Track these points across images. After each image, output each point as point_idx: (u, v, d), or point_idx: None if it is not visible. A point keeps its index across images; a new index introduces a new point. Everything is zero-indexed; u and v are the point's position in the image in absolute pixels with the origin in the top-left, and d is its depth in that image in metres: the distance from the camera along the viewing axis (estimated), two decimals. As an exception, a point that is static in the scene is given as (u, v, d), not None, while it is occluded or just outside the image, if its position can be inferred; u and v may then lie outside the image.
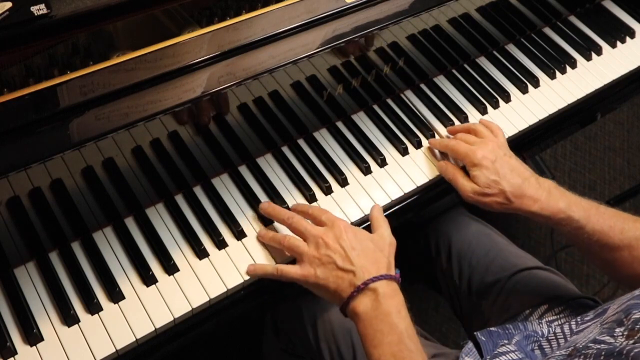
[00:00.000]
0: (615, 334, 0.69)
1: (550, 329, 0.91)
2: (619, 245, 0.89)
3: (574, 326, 0.85)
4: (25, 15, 0.77)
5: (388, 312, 0.80)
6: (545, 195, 0.91)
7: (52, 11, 0.78)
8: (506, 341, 0.89)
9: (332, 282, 0.83)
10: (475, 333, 0.96)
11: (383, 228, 0.91)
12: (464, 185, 0.96)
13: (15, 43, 0.79)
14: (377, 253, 0.86)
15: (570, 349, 0.74)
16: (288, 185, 1.00)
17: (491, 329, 0.97)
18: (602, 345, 0.68)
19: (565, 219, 0.90)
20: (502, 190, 0.92)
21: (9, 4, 0.76)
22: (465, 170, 0.99)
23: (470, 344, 0.96)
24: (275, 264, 0.91)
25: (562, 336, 0.85)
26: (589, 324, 0.83)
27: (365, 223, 0.99)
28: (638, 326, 0.67)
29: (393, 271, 0.86)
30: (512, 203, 0.92)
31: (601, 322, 0.79)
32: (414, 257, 1.24)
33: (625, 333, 0.68)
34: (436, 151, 1.07)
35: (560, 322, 0.99)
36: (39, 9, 0.77)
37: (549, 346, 0.86)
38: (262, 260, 0.91)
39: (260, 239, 0.93)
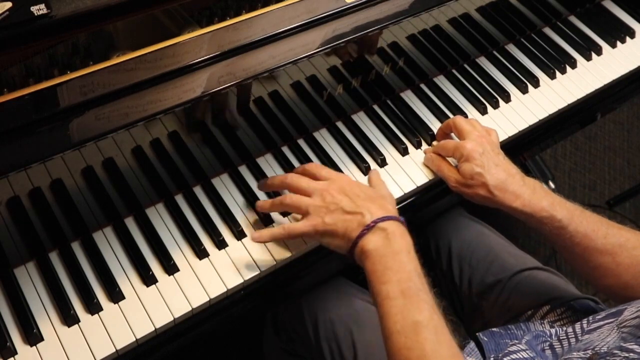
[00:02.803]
0: None
1: (557, 329, 0.91)
2: (602, 249, 0.88)
3: (585, 325, 0.84)
4: (25, 15, 0.76)
5: (398, 250, 0.80)
6: (528, 193, 0.91)
7: (52, 11, 0.78)
8: (516, 340, 0.89)
9: (340, 225, 0.84)
10: (477, 334, 0.96)
11: (381, 187, 0.95)
12: (449, 175, 0.98)
13: (15, 43, 0.79)
14: (381, 199, 0.88)
15: (589, 353, 0.73)
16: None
17: (493, 329, 0.97)
18: (632, 354, 0.67)
19: (548, 217, 0.90)
20: (484, 182, 0.93)
21: (9, 4, 0.75)
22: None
23: (472, 344, 0.96)
24: (274, 261, 0.91)
25: (573, 335, 0.84)
26: (601, 323, 0.82)
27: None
28: None
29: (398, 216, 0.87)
30: (494, 196, 0.92)
31: (617, 324, 0.78)
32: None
33: None
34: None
35: (562, 323, 0.99)
36: (39, 9, 0.77)
37: (559, 346, 0.85)
38: (262, 259, 0.91)
39: (260, 210, 0.93)
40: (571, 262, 0.95)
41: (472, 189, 0.94)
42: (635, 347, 0.69)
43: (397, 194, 1.01)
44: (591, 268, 0.91)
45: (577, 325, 0.85)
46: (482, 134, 0.99)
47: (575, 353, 0.75)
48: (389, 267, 0.79)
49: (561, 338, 0.85)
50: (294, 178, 0.91)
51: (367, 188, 0.91)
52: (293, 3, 0.94)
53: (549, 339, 0.89)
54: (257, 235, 0.89)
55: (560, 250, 0.95)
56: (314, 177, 0.91)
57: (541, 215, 0.90)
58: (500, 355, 0.85)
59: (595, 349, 0.75)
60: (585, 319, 0.85)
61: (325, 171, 0.92)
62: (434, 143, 1.09)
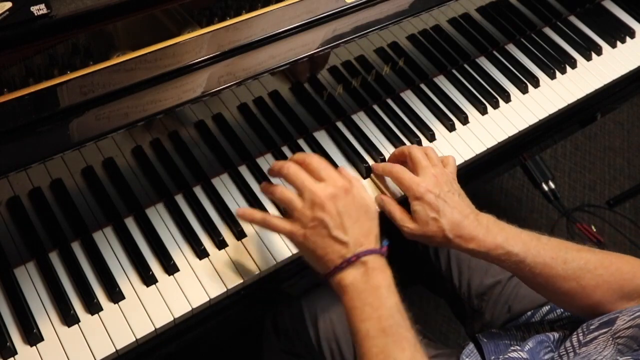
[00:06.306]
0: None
1: (559, 334, 0.90)
2: (564, 276, 0.86)
3: (581, 337, 0.83)
4: (25, 15, 0.76)
5: (378, 285, 0.77)
6: (482, 233, 0.88)
7: (52, 11, 0.78)
8: (517, 346, 0.89)
9: (320, 248, 0.79)
10: (476, 335, 0.95)
11: (369, 199, 0.86)
12: (402, 221, 0.91)
13: (15, 43, 0.79)
14: (371, 223, 0.82)
15: None
16: (288, 185, 1.00)
17: (493, 330, 0.97)
18: None
19: (504, 254, 0.87)
20: (440, 228, 0.88)
21: (9, 4, 0.75)
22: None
23: (471, 345, 0.96)
24: (274, 261, 0.91)
25: (571, 350, 0.83)
26: (595, 333, 0.81)
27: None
28: None
29: (380, 245, 0.82)
30: (450, 241, 0.88)
31: (612, 334, 0.77)
32: (414, 260, 1.24)
33: None
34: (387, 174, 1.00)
35: (562, 323, 0.99)
36: (39, 9, 0.77)
37: None
38: (262, 259, 0.91)
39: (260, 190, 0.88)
40: (538, 291, 0.92)
41: (428, 235, 0.89)
42: None
43: (398, 194, 1.01)
44: (559, 295, 0.89)
45: (574, 338, 0.84)
46: (438, 172, 0.92)
47: None
48: (368, 304, 0.76)
49: (561, 353, 0.84)
50: (290, 169, 0.83)
51: (362, 204, 0.82)
52: (293, 3, 0.94)
53: (551, 345, 0.88)
54: (241, 212, 0.87)
55: (524, 281, 0.92)
56: (314, 174, 0.83)
57: (497, 253, 0.87)
58: (500, 357, 0.85)
59: None
60: (581, 329, 0.84)
61: (326, 173, 0.83)
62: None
